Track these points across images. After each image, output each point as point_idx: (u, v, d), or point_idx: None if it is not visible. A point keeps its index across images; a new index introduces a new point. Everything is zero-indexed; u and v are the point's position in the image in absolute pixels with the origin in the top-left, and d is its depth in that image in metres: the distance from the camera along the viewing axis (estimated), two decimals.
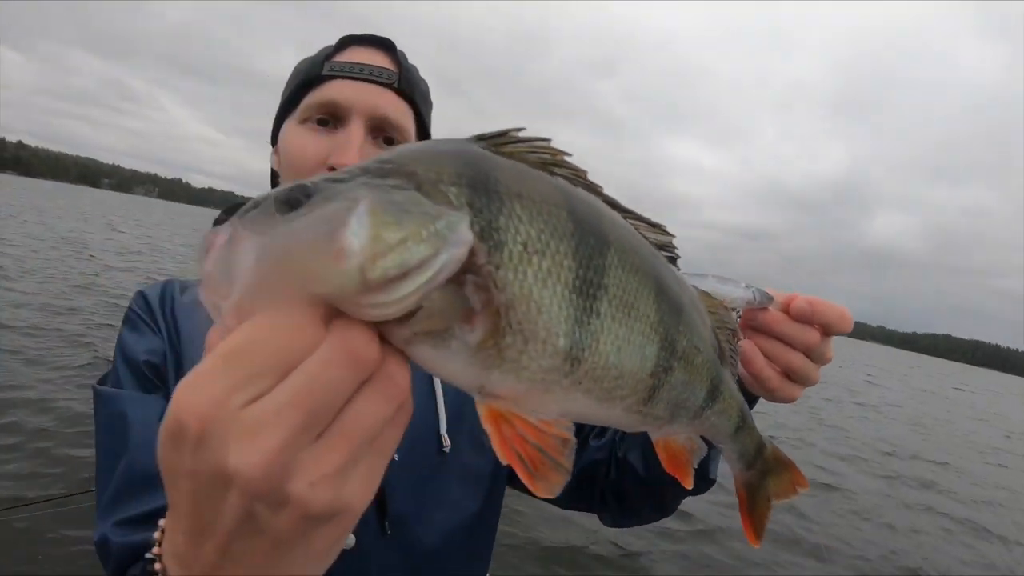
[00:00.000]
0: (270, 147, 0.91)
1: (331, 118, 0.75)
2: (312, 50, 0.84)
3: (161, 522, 0.37)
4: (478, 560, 0.85)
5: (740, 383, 0.57)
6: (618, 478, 0.83)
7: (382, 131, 0.77)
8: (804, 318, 0.56)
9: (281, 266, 0.28)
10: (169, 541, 0.34)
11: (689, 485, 0.51)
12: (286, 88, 0.82)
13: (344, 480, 0.30)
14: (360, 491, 0.31)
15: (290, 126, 0.78)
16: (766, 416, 8.47)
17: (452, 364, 0.32)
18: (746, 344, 0.57)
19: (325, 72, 0.75)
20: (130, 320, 0.79)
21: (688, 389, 0.44)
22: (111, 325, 7.28)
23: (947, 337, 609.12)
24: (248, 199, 0.37)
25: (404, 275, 0.28)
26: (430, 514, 0.75)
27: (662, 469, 0.56)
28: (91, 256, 14.09)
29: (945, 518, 6.57)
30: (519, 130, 0.37)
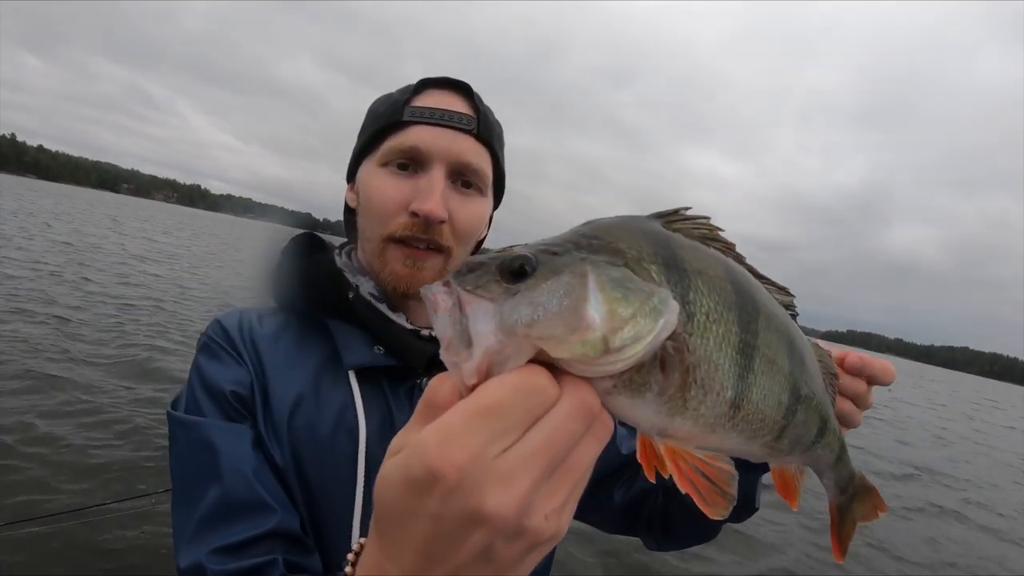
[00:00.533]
0: (346, 184, 0.90)
1: (412, 163, 0.76)
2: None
3: (350, 556, 0.44)
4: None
5: None
6: (665, 504, 0.86)
7: (462, 175, 0.78)
8: (855, 372, 0.62)
9: (525, 332, 0.32)
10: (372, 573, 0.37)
11: (796, 508, 0.56)
12: (364, 128, 0.82)
13: (564, 511, 0.35)
14: (568, 518, 0.36)
15: (370, 167, 0.79)
16: None
17: (643, 411, 0.37)
18: None
19: (406, 117, 0.76)
20: (210, 349, 0.79)
21: (806, 427, 0.50)
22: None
23: (965, 350, 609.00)
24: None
25: (636, 342, 0.33)
26: None
27: None
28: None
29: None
30: (687, 209, 0.44)
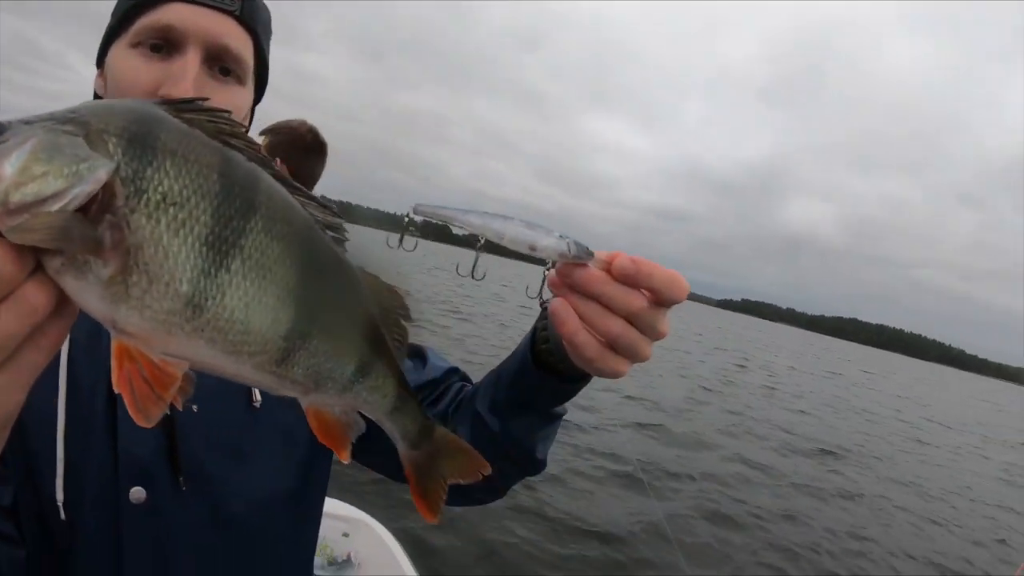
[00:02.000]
0: (96, 71, 0.79)
1: (166, 44, 0.66)
2: None
3: None
4: (299, 534, 0.80)
5: (567, 355, 0.54)
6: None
7: (220, 61, 0.69)
8: (627, 279, 0.47)
9: None
10: None
11: (345, 459, 0.50)
12: (117, 6, 0.72)
13: None
14: (14, 392, 0.35)
15: (119, 49, 0.69)
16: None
17: (89, 295, 0.34)
18: (558, 302, 0.49)
19: None
20: None
21: (332, 360, 0.44)
22: None
23: (853, 320, 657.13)
24: None
25: (40, 203, 0.31)
26: (236, 474, 0.70)
27: (486, 441, 0.66)
28: None
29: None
30: (204, 100, 0.41)
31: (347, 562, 2.79)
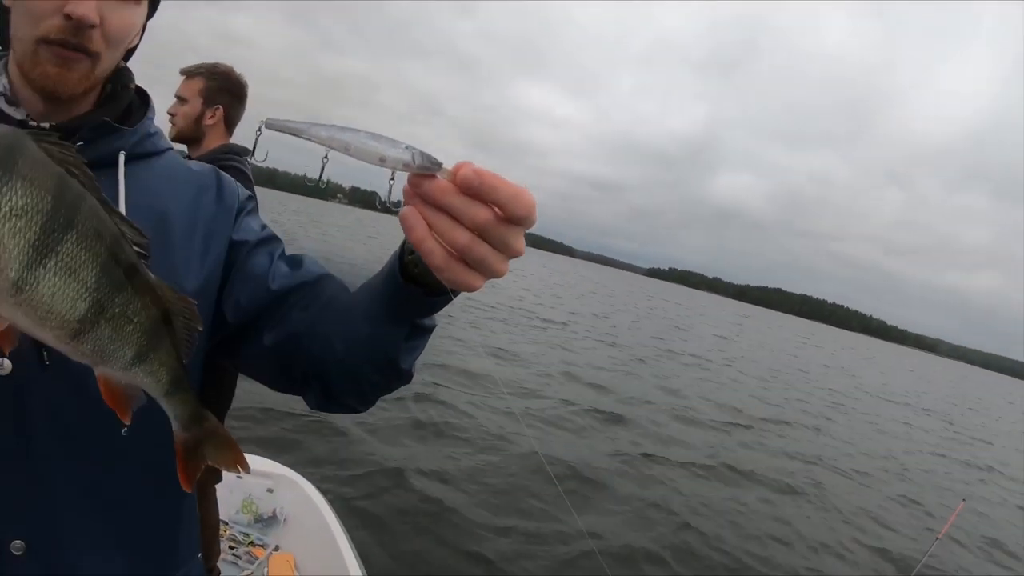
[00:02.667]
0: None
1: None
2: None
3: None
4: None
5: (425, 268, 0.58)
6: (319, 356, 0.77)
7: None
8: (471, 191, 0.48)
9: None
10: None
11: (127, 420, 0.62)
12: None
13: None
14: None
15: None
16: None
17: None
18: (407, 210, 0.50)
19: None
20: None
21: (114, 344, 0.57)
22: None
23: (778, 291, 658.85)
24: None
25: None
26: None
27: (353, 344, 0.73)
28: None
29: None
30: (64, 137, 0.54)
31: (272, 518, 2.85)
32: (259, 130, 0.57)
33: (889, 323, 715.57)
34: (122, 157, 0.77)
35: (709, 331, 27.03)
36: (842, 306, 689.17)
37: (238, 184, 0.91)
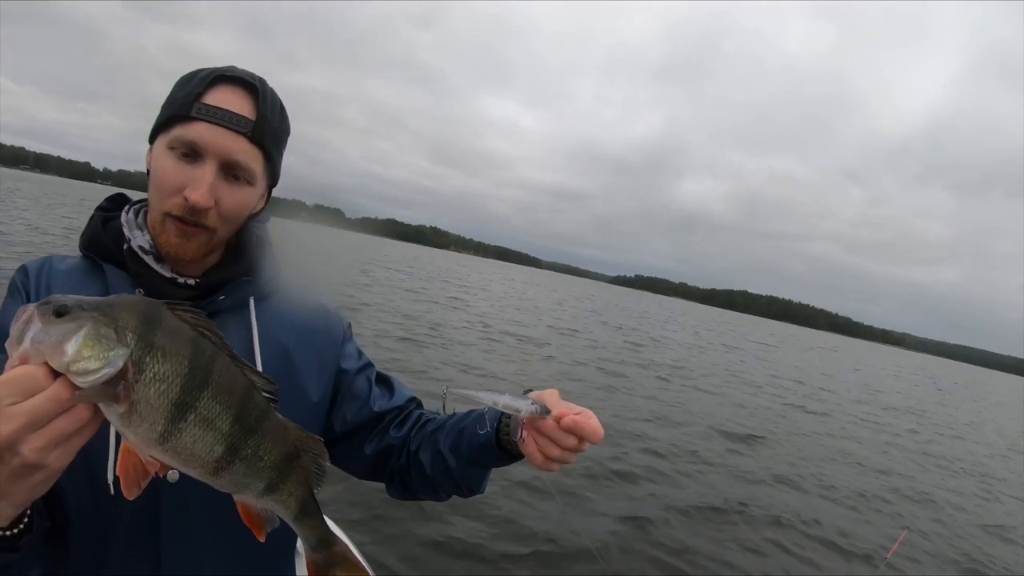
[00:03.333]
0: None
1: (192, 154, 0.85)
2: None
3: None
4: None
5: (518, 448, 0.86)
6: (407, 466, 1.02)
7: (232, 170, 0.87)
8: (568, 430, 0.79)
9: (38, 347, 0.54)
10: None
11: (261, 538, 0.74)
12: (164, 106, 0.89)
13: (46, 453, 0.56)
14: (55, 462, 0.57)
15: (161, 146, 0.87)
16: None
17: (112, 418, 0.58)
18: (529, 441, 0.82)
19: (193, 113, 0.84)
20: (11, 290, 0.92)
21: (247, 478, 0.67)
22: None
23: (744, 293, 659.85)
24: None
25: (86, 373, 0.54)
26: None
27: (441, 471, 0.96)
28: None
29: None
30: (195, 305, 0.65)
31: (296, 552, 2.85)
32: (444, 394, 0.95)
33: (855, 319, 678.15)
34: (252, 302, 0.94)
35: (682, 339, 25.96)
36: (808, 305, 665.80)
37: (340, 315, 1.10)
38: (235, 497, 0.71)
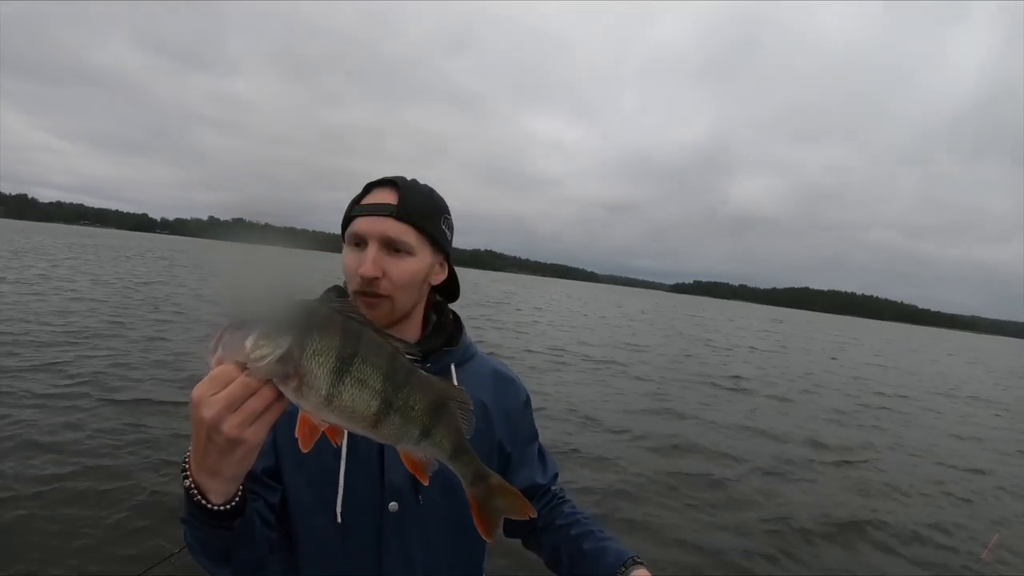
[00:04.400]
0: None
1: (360, 242, 1.04)
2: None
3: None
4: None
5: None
6: (527, 530, 1.23)
7: (389, 245, 1.04)
8: None
9: (230, 349, 0.67)
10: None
11: (425, 482, 0.82)
12: (345, 218, 1.11)
13: (243, 428, 0.67)
14: (252, 436, 0.68)
15: (344, 247, 1.08)
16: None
17: (288, 394, 0.68)
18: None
19: (355, 213, 1.06)
20: None
21: (404, 427, 0.75)
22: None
23: (806, 290, 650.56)
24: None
25: (262, 358, 0.65)
26: (451, 491, 1.04)
27: (550, 563, 1.18)
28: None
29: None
30: (349, 302, 0.77)
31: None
32: None
33: (921, 307, 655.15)
34: (453, 368, 1.13)
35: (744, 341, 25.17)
36: (872, 296, 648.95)
37: (520, 383, 1.27)
38: (398, 448, 0.79)
